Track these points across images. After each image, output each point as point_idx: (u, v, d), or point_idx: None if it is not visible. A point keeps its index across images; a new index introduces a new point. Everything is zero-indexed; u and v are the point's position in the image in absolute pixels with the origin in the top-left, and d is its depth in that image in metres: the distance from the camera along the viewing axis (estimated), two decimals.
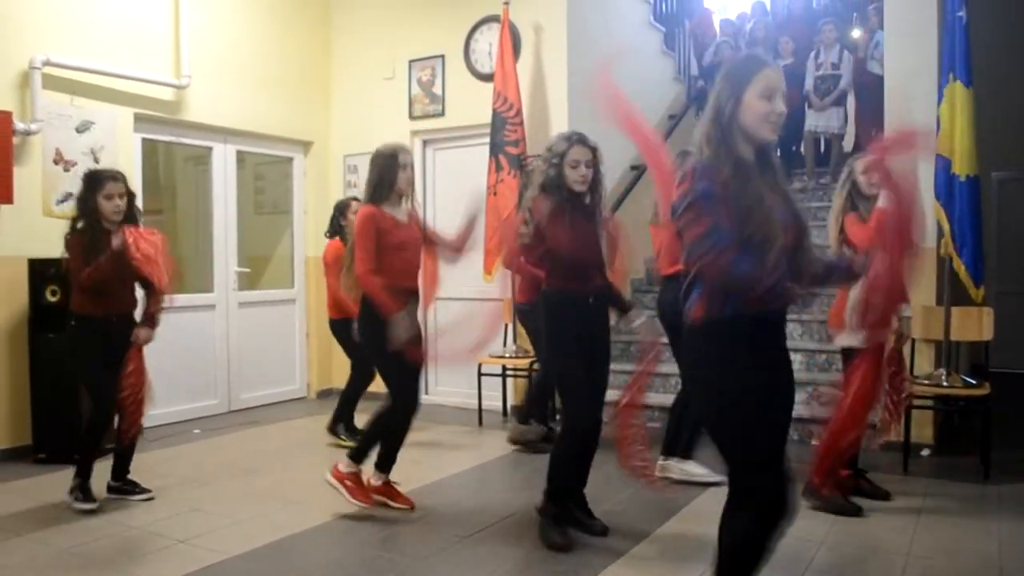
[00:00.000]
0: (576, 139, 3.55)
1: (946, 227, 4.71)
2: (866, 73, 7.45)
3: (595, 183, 3.59)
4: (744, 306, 2.15)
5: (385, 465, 4.10)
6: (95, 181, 4.08)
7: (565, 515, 3.62)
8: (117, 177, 4.12)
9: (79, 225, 4.06)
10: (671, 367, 6.10)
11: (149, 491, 4.27)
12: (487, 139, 6.23)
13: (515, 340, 6.16)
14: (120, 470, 4.30)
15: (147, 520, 3.94)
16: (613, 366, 3.77)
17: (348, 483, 3.96)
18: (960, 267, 4.71)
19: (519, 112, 6.10)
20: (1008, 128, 7.26)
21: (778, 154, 5.87)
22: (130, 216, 4.14)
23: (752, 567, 2.27)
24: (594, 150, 3.56)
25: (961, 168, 4.72)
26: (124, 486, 4.28)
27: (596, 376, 3.60)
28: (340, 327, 5.36)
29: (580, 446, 3.58)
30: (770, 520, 2.23)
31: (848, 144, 7.80)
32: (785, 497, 2.23)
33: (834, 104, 7.58)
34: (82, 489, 4.11)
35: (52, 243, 4.36)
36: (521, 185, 5.11)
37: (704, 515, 3.86)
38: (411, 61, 7.01)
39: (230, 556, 3.44)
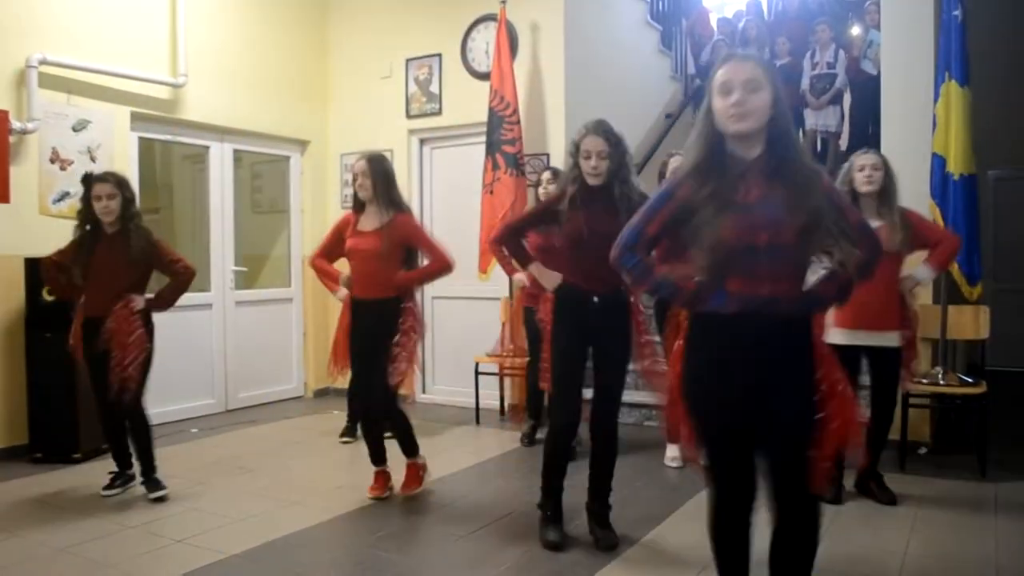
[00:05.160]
0: (591, 128, 3.41)
1: (941, 226, 4.71)
2: (860, 72, 7.48)
3: (615, 176, 3.41)
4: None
5: (373, 459, 4.27)
6: (87, 183, 4.19)
7: (558, 509, 3.60)
8: (106, 178, 4.18)
9: (86, 228, 4.18)
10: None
11: (162, 491, 4.24)
12: (484, 138, 6.23)
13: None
14: (142, 464, 4.29)
15: (144, 519, 3.93)
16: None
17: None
18: (954, 266, 4.72)
19: (516, 111, 6.09)
20: (1004, 126, 7.28)
21: None
22: (125, 219, 4.15)
23: (717, 553, 2.43)
24: (611, 140, 3.39)
25: (956, 167, 4.73)
26: (148, 481, 4.27)
27: (599, 377, 3.53)
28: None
29: (559, 445, 3.56)
30: (713, 513, 2.39)
31: (844, 142, 7.81)
32: (723, 506, 2.36)
33: (830, 103, 7.60)
34: (111, 477, 4.35)
35: (48, 242, 4.37)
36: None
37: (698, 517, 3.85)
38: (408, 60, 7.00)
39: (228, 555, 3.44)
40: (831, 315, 3.87)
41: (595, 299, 3.46)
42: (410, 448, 4.30)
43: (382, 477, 4.28)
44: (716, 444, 2.33)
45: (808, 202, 2.20)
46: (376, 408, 4.22)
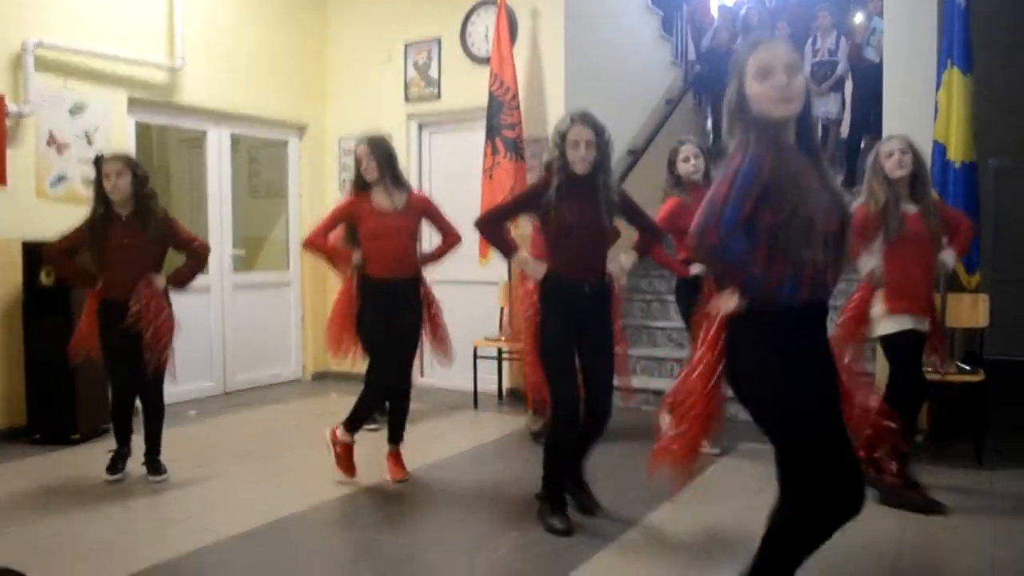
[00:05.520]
0: (577, 118, 3.43)
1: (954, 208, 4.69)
2: (862, 59, 7.45)
3: (599, 166, 3.44)
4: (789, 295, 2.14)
5: (350, 426, 4.23)
6: (97, 165, 4.16)
7: (562, 499, 3.60)
8: (117, 156, 4.17)
9: (100, 211, 4.12)
10: (667, 351, 6.15)
11: (164, 475, 4.26)
12: (483, 122, 6.20)
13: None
14: (150, 446, 4.31)
15: (143, 502, 3.95)
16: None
17: (337, 449, 4.23)
18: None
19: (516, 96, 6.07)
20: (1006, 115, 7.23)
21: None
22: (138, 198, 4.11)
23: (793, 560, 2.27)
24: (597, 130, 3.42)
25: (956, 155, 4.71)
26: (151, 463, 4.28)
27: (590, 366, 3.54)
28: None
29: (564, 435, 3.55)
30: (825, 515, 2.23)
31: (845, 130, 7.80)
32: (844, 492, 2.20)
33: (831, 90, 7.58)
34: (111, 458, 4.27)
35: (46, 225, 4.36)
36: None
37: (695, 502, 3.89)
38: (407, 44, 6.96)
39: (226, 537, 3.44)
40: (885, 303, 3.81)
41: (586, 288, 3.48)
42: (402, 434, 4.33)
43: (350, 453, 4.24)
44: (833, 432, 2.19)
45: (839, 189, 2.22)
46: (403, 389, 4.33)
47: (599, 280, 3.53)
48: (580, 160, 3.40)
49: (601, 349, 3.57)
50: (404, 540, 3.50)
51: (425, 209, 4.29)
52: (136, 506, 3.89)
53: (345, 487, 4.11)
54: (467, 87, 6.60)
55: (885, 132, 5.15)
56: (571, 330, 3.50)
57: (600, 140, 3.43)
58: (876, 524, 3.61)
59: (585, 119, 3.43)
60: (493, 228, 3.63)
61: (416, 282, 4.25)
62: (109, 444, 4.40)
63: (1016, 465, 4.44)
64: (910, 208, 3.80)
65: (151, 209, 4.16)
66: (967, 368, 4.66)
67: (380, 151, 4.12)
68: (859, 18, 8.04)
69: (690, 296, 4.42)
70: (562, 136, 3.43)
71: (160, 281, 4.18)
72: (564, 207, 3.42)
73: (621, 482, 4.16)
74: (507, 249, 3.64)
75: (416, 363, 4.50)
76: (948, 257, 3.98)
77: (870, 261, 3.79)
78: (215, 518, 3.70)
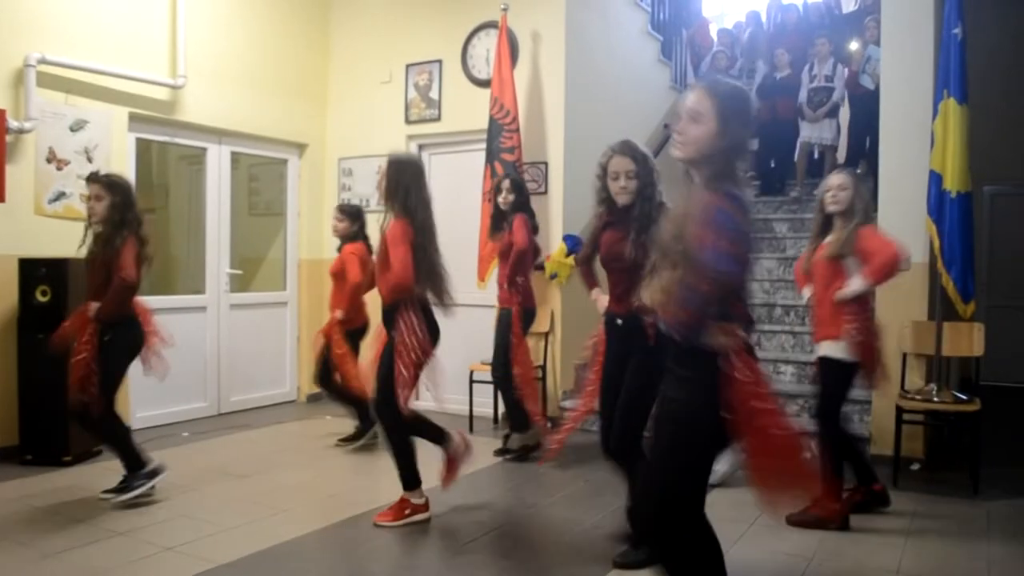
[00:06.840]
0: (617, 149, 3.38)
1: (936, 243, 4.71)
2: (858, 86, 7.50)
3: (641, 196, 3.33)
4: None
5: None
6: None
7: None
8: (95, 178, 4.17)
9: (87, 226, 4.18)
10: None
11: (112, 496, 4.17)
12: (483, 145, 6.22)
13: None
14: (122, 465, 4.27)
15: (133, 526, 3.90)
16: None
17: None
18: (948, 283, 4.71)
19: (515, 119, 6.09)
20: (1001, 143, 7.29)
21: (772, 165, 6.13)
22: (114, 224, 4.09)
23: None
24: (638, 160, 3.35)
25: (952, 184, 4.73)
26: (121, 483, 4.22)
27: (624, 398, 3.40)
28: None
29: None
30: None
31: (841, 155, 7.84)
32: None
33: (827, 116, 7.62)
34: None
35: (43, 242, 4.34)
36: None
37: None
38: (408, 65, 7.00)
39: (217, 565, 3.41)
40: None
41: (618, 322, 3.43)
42: (404, 477, 4.06)
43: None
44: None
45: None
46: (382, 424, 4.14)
47: (631, 314, 3.34)
48: (620, 191, 3.35)
49: (627, 383, 3.38)
50: (398, 568, 3.49)
51: (385, 238, 3.95)
52: (126, 531, 3.83)
53: (339, 513, 4.05)
54: (468, 109, 6.62)
55: (882, 161, 5.20)
56: (617, 366, 3.41)
57: (642, 169, 3.35)
58: (873, 550, 3.61)
59: (624, 149, 3.38)
60: (584, 268, 3.79)
61: (389, 312, 3.95)
62: (100, 468, 4.35)
63: (1012, 494, 4.44)
64: (829, 239, 3.97)
65: (111, 237, 4.07)
66: (963, 397, 4.67)
67: (391, 171, 4.03)
68: (855, 46, 8.09)
69: None
70: (603, 168, 3.41)
71: (91, 308, 4.08)
72: (606, 239, 3.45)
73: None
74: (587, 285, 3.81)
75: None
76: (854, 282, 3.85)
77: (807, 290, 4.12)
78: (207, 544, 3.67)
